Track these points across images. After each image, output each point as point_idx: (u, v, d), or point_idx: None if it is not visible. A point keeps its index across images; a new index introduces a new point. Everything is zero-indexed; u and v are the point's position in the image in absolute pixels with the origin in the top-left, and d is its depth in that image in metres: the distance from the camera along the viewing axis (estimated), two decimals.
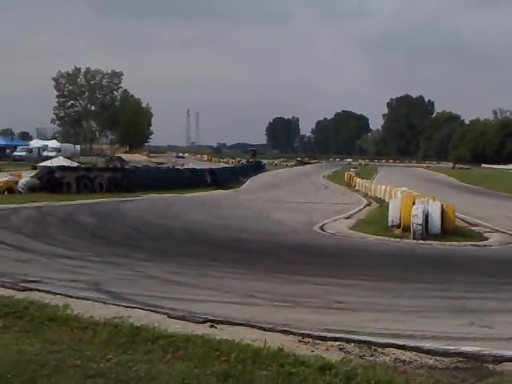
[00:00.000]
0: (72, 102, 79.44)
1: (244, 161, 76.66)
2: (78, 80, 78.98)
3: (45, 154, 57.28)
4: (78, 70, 78.65)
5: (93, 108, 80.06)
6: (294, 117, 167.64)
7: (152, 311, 5.32)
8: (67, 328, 4.67)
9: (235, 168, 48.91)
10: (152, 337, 4.47)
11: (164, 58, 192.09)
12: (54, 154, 56.57)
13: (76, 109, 79.54)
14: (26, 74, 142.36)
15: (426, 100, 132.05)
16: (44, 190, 20.92)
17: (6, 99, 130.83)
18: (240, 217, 16.33)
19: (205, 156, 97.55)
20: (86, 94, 79.55)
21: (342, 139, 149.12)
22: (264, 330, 4.84)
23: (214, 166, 51.11)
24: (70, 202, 17.94)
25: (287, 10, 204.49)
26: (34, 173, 31.27)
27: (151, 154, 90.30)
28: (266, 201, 22.75)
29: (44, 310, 5.11)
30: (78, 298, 5.71)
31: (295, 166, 79.99)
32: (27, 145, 60.40)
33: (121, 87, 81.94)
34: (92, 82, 79.13)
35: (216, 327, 4.91)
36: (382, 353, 4.38)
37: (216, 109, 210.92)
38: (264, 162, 71.91)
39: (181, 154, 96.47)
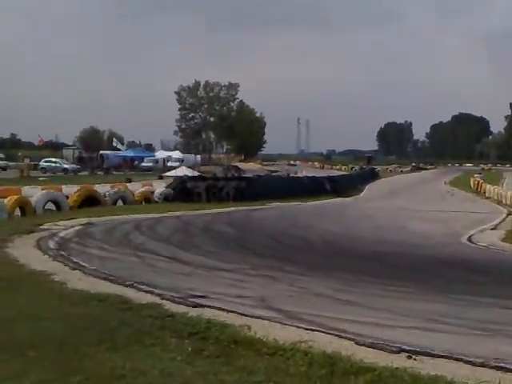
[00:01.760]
0: (192, 114, 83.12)
1: (357, 167, 75.14)
2: (198, 93, 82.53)
3: (169, 164, 60.19)
4: (197, 84, 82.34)
5: (211, 119, 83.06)
6: (406, 121, 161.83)
7: (336, 336, 4.93)
8: (255, 353, 4.42)
9: (352, 175, 47.93)
10: (351, 368, 4.06)
11: (273, 65, 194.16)
12: (177, 164, 59.31)
13: (196, 121, 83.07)
14: (141, 86, 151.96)
15: None
16: (177, 200, 21.74)
17: (127, 111, 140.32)
18: (374, 227, 15.63)
19: (316, 163, 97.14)
20: (205, 105, 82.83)
21: (459, 143, 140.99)
22: (473, 364, 4.24)
23: (327, 173, 50.40)
24: (204, 211, 18.34)
25: (400, 9, 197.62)
26: (162, 182, 32.99)
27: (264, 163, 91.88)
28: (392, 209, 21.77)
29: (225, 330, 4.91)
30: (252, 316, 5.48)
31: (411, 171, 76.86)
32: (153, 156, 63.94)
33: (237, 98, 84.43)
34: (211, 95, 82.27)
35: (415, 359, 4.40)
36: None
37: (326, 115, 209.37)
38: (377, 168, 69.85)
39: (292, 162, 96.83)
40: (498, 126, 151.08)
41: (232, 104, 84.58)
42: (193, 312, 5.58)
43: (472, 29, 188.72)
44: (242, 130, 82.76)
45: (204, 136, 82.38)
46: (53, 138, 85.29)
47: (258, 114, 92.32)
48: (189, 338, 4.72)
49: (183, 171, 53.02)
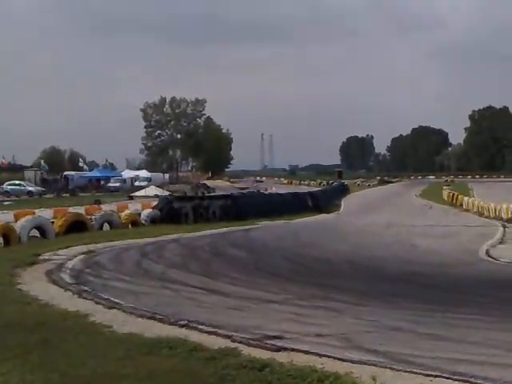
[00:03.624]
0: (159, 131, 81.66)
1: (325, 182, 75.45)
2: (164, 109, 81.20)
3: (137, 183, 58.74)
4: (163, 100, 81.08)
5: (178, 136, 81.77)
6: (368, 135, 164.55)
7: (463, 381, 4.32)
8: None
9: (327, 190, 47.81)
10: None
11: (232, 80, 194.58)
12: (145, 183, 57.97)
13: (162, 138, 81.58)
14: (102, 103, 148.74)
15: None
16: (164, 221, 20.79)
17: (89, 130, 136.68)
18: (384, 245, 15.18)
19: (282, 179, 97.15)
20: (172, 122, 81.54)
21: (420, 155, 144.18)
22: None
23: (297, 189, 50.16)
24: (198, 234, 17.53)
25: (355, 27, 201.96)
26: (136, 203, 31.83)
27: (231, 179, 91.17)
28: (383, 225, 21.50)
29: (340, 382, 4.23)
30: (352, 361, 4.78)
31: (378, 185, 77.76)
32: (120, 176, 62.28)
33: (204, 114, 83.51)
34: (177, 111, 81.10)
35: None
36: None
37: (287, 131, 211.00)
38: (345, 182, 70.22)
39: (259, 178, 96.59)
40: (456, 138, 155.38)
41: (199, 120, 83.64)
42: (280, 358, 4.86)
43: (433, 42, 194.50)
44: (210, 146, 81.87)
45: (171, 153, 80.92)
46: (9, 159, 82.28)
47: (224, 131, 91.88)
48: None
49: (153, 191, 51.83)
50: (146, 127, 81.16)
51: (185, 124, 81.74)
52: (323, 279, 9.58)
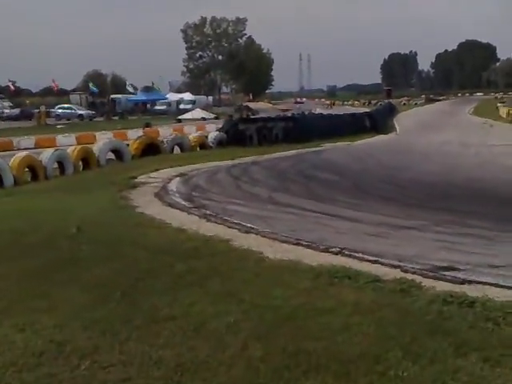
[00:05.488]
0: (200, 53, 79.40)
1: (369, 102, 73.24)
2: (205, 30, 78.48)
3: (181, 106, 58.21)
4: (204, 20, 78.12)
5: (220, 58, 79.47)
6: (411, 51, 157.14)
7: None
8: None
9: (379, 110, 46.34)
10: None
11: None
12: (189, 106, 57.36)
13: (204, 60, 79.47)
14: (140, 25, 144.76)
15: None
16: (230, 144, 20.50)
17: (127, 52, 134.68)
18: (474, 166, 14.46)
19: (323, 100, 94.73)
20: (213, 43, 79.04)
21: (466, 72, 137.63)
22: None
23: (343, 110, 48.71)
24: (271, 156, 17.21)
25: None
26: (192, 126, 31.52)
27: (272, 101, 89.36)
28: (456, 144, 20.76)
29: None
30: None
31: (425, 103, 75.01)
32: (165, 98, 61.66)
33: (245, 34, 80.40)
34: (218, 31, 78.31)
35: None
36: None
37: (325, 50, 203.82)
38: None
39: (299, 100, 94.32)
40: (505, 52, 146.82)
41: (240, 40, 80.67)
42: (470, 292, 4.48)
43: None
44: (251, 67, 79.47)
45: (213, 76, 78.93)
46: (50, 83, 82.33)
47: (264, 51, 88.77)
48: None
49: (199, 113, 51.35)
50: (187, 49, 79.02)
51: (226, 45, 78.98)
52: (442, 203, 9.11)
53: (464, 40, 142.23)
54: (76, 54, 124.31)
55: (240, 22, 79.02)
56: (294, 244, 6.12)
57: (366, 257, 5.55)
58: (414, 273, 5.05)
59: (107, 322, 4.04)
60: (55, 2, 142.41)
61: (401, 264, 5.28)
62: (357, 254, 5.64)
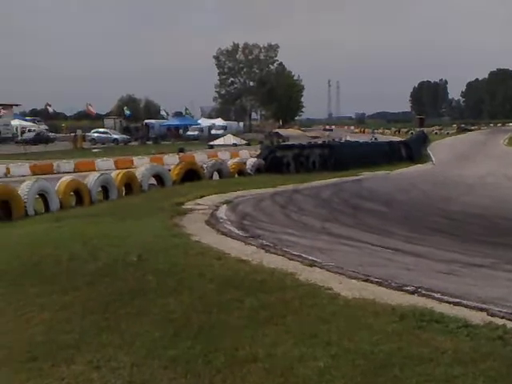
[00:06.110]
0: (232, 79, 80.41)
1: (405, 130, 72.65)
2: (237, 56, 79.56)
3: (213, 131, 58.68)
4: (236, 46, 79.30)
5: (251, 84, 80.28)
6: (441, 79, 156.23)
7: None
8: None
9: (413, 139, 45.91)
10: None
11: (298, 25, 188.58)
12: (221, 131, 57.82)
13: (236, 85, 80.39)
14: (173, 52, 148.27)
15: None
16: (268, 171, 20.39)
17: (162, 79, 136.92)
18: None
19: (352, 127, 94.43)
20: (245, 69, 79.94)
21: (497, 101, 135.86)
22: None
23: (367, 139, 48.33)
24: (311, 184, 17.02)
25: None
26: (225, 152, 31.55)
27: (302, 128, 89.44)
28: (499, 176, 20.28)
29: None
30: None
31: (456, 133, 74.08)
32: (198, 124, 62.32)
33: (276, 60, 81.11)
34: (250, 57, 79.25)
35: None
36: None
37: (354, 77, 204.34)
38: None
39: (328, 127, 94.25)
40: None
41: (271, 67, 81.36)
42: None
43: None
44: (281, 94, 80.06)
45: (244, 101, 79.72)
46: (84, 107, 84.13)
47: (295, 78, 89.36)
48: None
49: (231, 139, 51.66)
50: (219, 74, 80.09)
51: (257, 71, 79.73)
52: (501, 238, 8.73)
53: (495, 69, 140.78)
54: (110, 79, 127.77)
55: (272, 48, 79.94)
56: (363, 280, 5.84)
57: (445, 298, 5.24)
58: (502, 317, 4.72)
59: (187, 361, 3.82)
60: (90, 30, 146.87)
61: (486, 307, 4.95)
62: (435, 295, 5.33)
